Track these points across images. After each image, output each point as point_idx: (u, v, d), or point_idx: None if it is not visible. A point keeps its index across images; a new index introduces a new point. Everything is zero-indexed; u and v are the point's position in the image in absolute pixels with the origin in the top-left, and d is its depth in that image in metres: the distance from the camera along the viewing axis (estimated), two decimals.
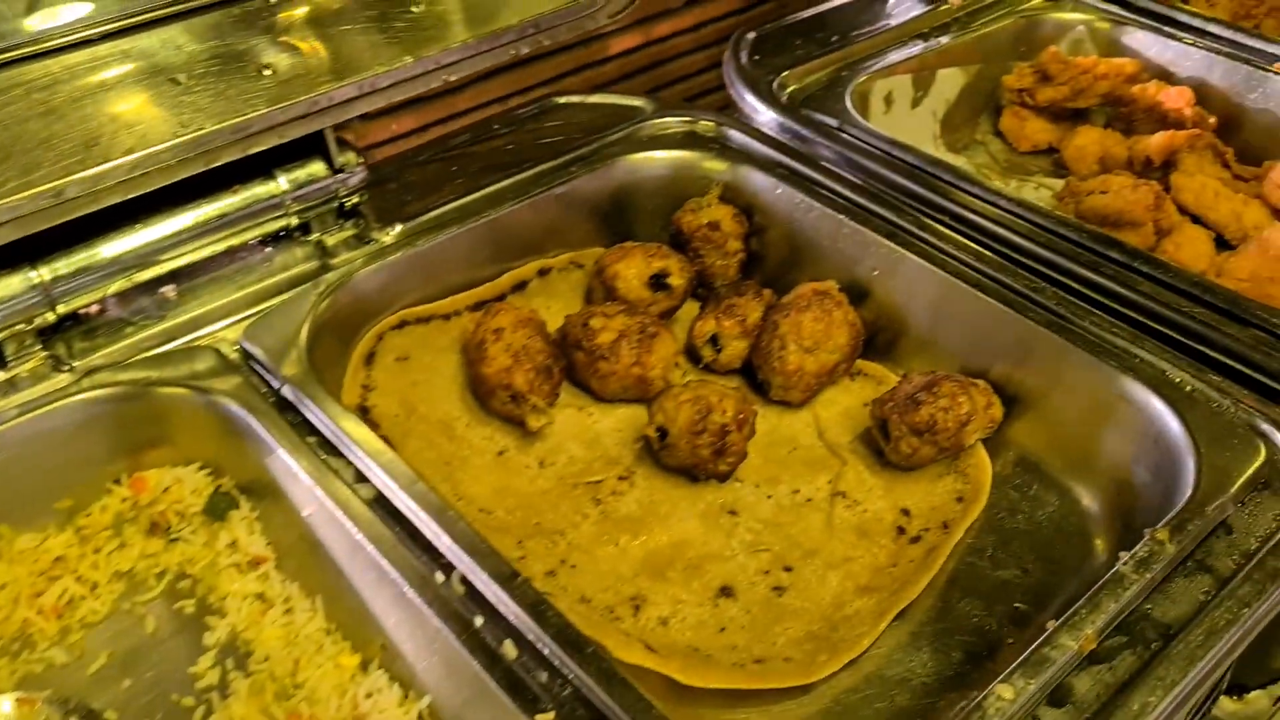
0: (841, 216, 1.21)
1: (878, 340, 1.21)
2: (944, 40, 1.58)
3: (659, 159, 1.30)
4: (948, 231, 1.20)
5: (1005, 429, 1.11)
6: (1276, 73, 1.51)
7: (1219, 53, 1.56)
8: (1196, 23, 1.61)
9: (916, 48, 1.57)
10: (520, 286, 1.24)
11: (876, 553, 1.03)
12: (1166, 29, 1.62)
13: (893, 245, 1.17)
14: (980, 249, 1.18)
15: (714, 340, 1.19)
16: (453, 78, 1.20)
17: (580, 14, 1.26)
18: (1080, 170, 1.55)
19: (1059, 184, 1.55)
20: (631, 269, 1.19)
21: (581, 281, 1.27)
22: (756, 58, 1.51)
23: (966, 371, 1.13)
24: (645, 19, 1.80)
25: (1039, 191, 1.54)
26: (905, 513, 1.07)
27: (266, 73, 1.12)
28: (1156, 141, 1.46)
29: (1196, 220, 1.43)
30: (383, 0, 1.22)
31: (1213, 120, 1.51)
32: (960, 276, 1.14)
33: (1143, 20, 1.64)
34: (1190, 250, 1.32)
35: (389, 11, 1.21)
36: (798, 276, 1.25)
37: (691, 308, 1.26)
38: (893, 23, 1.62)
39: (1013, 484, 1.09)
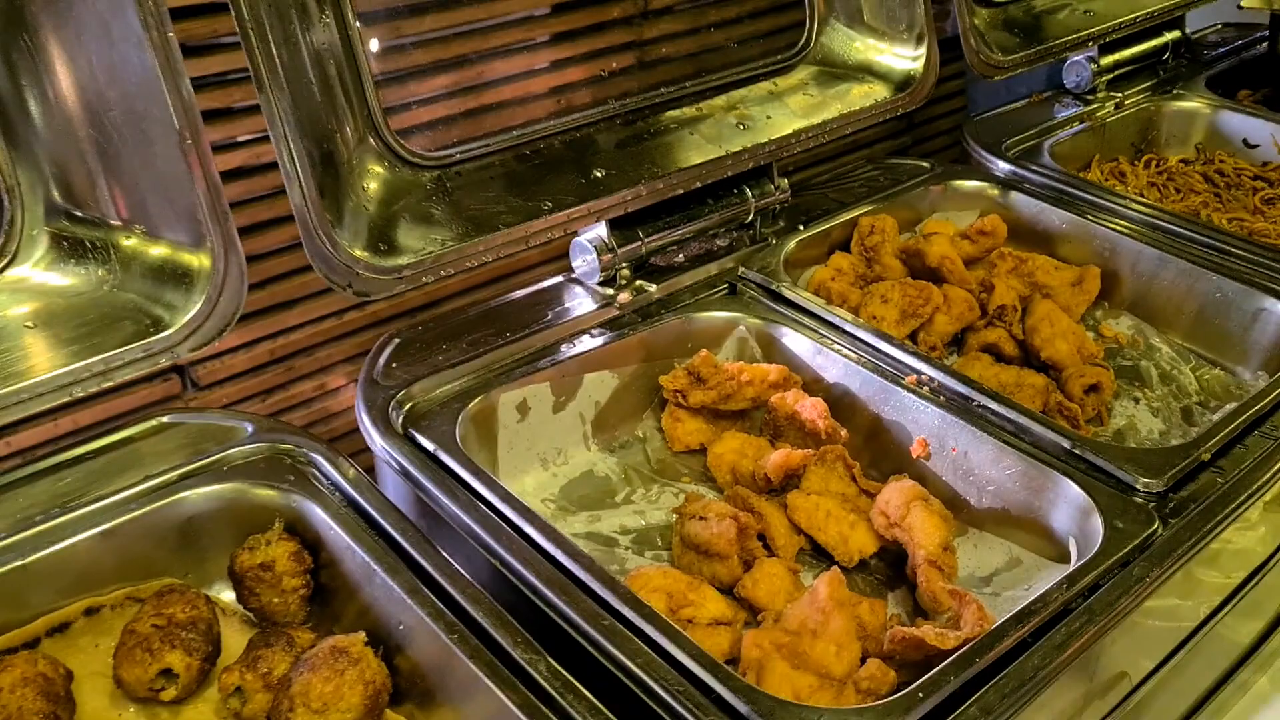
0: (376, 567, 1.21)
1: (416, 689, 1.19)
2: (598, 343, 1.61)
3: (228, 490, 1.31)
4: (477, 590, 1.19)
5: None
6: (906, 387, 1.54)
7: (860, 361, 1.59)
8: (848, 327, 1.65)
9: (573, 349, 1.60)
10: (62, 628, 1.23)
11: None
12: (820, 332, 1.65)
13: (411, 602, 1.17)
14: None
15: (239, 692, 1.17)
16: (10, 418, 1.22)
17: (154, 351, 1.28)
18: (719, 479, 1.56)
19: (708, 492, 1.57)
20: (134, 671, 1.17)
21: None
22: (394, 365, 1.54)
23: None
24: None
25: (679, 498, 1.55)
26: None
27: None
28: (773, 462, 1.47)
29: (813, 540, 1.44)
30: None
31: (844, 433, 1.53)
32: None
33: (799, 322, 1.67)
34: (767, 587, 1.32)
35: None
36: (356, 620, 1.25)
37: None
38: (563, 319, 1.66)
39: None
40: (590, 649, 1.14)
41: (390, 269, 1.45)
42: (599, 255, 1.68)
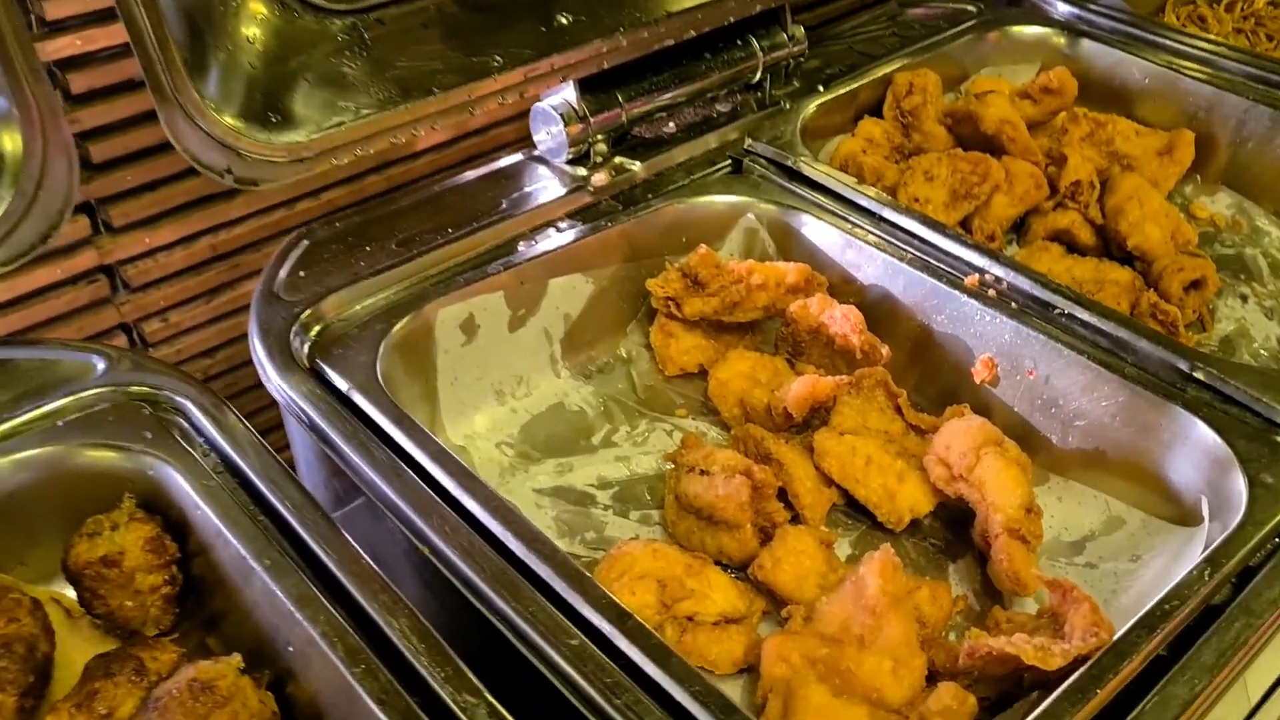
0: (255, 563, 0.87)
1: None
2: (567, 239, 1.25)
3: (56, 454, 0.96)
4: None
5: None
6: (969, 289, 1.19)
7: (904, 257, 1.24)
8: (887, 213, 1.28)
9: (533, 248, 1.24)
10: None
11: None
12: (851, 220, 1.29)
13: (301, 616, 0.84)
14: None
15: None
16: None
17: None
18: (723, 412, 1.22)
19: (710, 429, 1.23)
20: None
21: None
22: (302, 274, 1.18)
23: None
24: None
25: (674, 438, 1.21)
26: None
27: None
28: (795, 394, 1.13)
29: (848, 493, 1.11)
30: None
31: (885, 352, 1.18)
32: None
33: (823, 206, 1.31)
34: (793, 568, 0.99)
35: None
36: (237, 630, 0.92)
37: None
38: (522, 208, 1.29)
39: None
40: (554, 679, 0.82)
41: (283, 147, 1.09)
42: (566, 125, 1.31)
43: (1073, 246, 1.42)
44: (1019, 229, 1.48)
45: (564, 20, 1.29)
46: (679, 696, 0.78)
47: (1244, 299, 1.39)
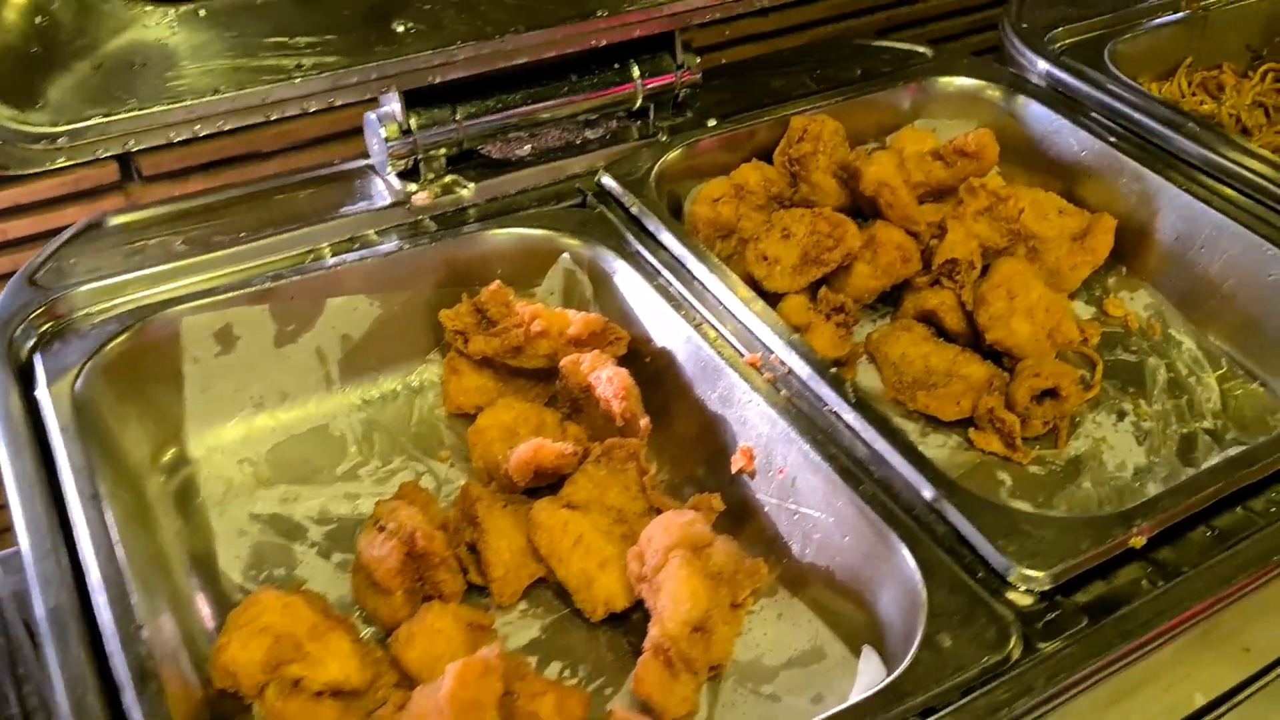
0: None
1: None
2: (357, 256, 1.20)
3: None
4: None
5: None
6: (742, 369, 1.08)
7: (695, 321, 1.14)
8: (698, 270, 1.18)
9: (320, 264, 1.19)
10: None
11: None
12: (664, 276, 1.19)
13: None
14: None
15: None
16: None
17: None
18: (474, 460, 1.15)
19: (463, 478, 1.16)
20: None
21: None
22: (75, 260, 1.17)
23: None
24: None
25: (420, 481, 1.14)
26: None
27: None
28: (518, 457, 1.05)
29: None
30: None
31: (644, 423, 1.08)
32: None
33: (641, 257, 1.21)
34: (424, 647, 0.91)
35: None
36: None
37: None
38: (328, 217, 1.24)
39: None
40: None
41: (34, 135, 1.07)
42: (387, 138, 1.25)
43: (942, 330, 1.28)
44: (897, 302, 1.34)
45: (400, 29, 1.23)
46: None
47: (1121, 415, 1.22)
